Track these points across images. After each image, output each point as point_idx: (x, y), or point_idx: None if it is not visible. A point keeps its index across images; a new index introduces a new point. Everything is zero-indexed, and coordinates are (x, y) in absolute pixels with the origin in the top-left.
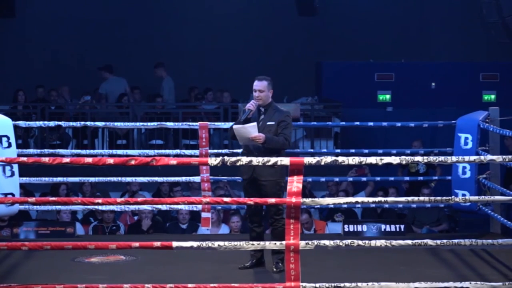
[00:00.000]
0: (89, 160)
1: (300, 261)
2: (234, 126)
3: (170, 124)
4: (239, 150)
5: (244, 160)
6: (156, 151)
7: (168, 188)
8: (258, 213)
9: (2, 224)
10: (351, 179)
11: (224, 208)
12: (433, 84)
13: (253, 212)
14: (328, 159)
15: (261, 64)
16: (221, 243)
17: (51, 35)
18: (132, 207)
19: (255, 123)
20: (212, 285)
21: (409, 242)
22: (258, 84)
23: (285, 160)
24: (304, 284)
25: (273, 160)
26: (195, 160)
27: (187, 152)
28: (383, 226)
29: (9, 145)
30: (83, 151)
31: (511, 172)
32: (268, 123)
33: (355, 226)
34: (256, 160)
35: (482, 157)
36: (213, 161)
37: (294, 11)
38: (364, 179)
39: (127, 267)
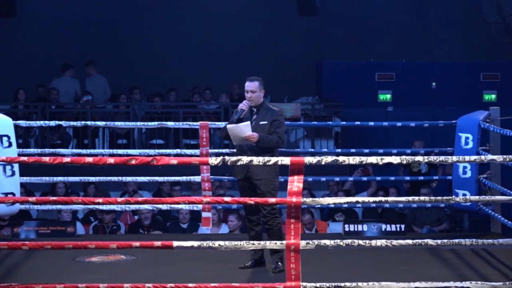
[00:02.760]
0: (90, 159)
1: (300, 260)
2: (228, 126)
3: (170, 124)
4: None
5: (245, 160)
6: (157, 150)
7: (169, 187)
8: (256, 212)
9: (3, 224)
10: (351, 178)
11: (224, 207)
12: (434, 83)
13: (251, 211)
14: (329, 158)
15: (262, 64)
16: (222, 242)
17: (52, 34)
18: (133, 207)
19: (248, 122)
20: (212, 284)
21: (410, 242)
22: (249, 85)
23: (285, 160)
24: (304, 283)
25: (273, 159)
26: (196, 159)
27: (188, 151)
28: (383, 226)
29: (10, 145)
30: (84, 151)
31: None
32: (261, 122)
33: (356, 225)
34: (257, 160)
35: (482, 157)
36: (214, 160)
37: (295, 10)
38: (365, 179)
39: (127, 266)
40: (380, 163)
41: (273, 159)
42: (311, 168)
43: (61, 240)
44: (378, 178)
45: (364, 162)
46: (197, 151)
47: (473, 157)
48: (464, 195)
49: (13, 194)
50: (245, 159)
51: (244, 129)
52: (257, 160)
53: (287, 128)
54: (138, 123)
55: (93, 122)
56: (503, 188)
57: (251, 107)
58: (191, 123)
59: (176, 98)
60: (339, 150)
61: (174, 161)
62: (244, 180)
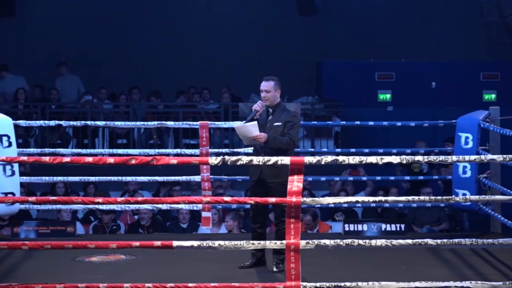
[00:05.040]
0: (90, 159)
1: (300, 260)
2: (235, 125)
3: (170, 124)
4: (240, 150)
5: (245, 159)
6: (157, 150)
7: (169, 187)
8: (261, 214)
9: (3, 224)
10: (351, 178)
11: (224, 207)
12: (434, 83)
13: (257, 213)
14: (329, 158)
15: (262, 64)
16: (222, 242)
17: (51, 34)
18: (133, 207)
19: (255, 122)
20: (212, 284)
21: (410, 241)
22: (264, 85)
23: (285, 160)
24: (304, 283)
25: (273, 159)
26: (196, 159)
27: (188, 151)
28: (383, 226)
29: (10, 145)
30: (84, 151)
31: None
32: (275, 124)
33: (356, 225)
34: (257, 160)
35: (482, 157)
36: (214, 160)
37: (295, 10)
38: (364, 178)
39: (127, 266)
40: (380, 163)
41: (273, 159)
42: (311, 168)
43: (61, 240)
44: (378, 178)
45: (364, 162)
46: (197, 151)
47: (473, 157)
48: (464, 194)
49: (13, 194)
50: (244, 159)
51: (251, 129)
52: (257, 159)
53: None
54: (138, 122)
55: (93, 122)
56: (503, 187)
57: (267, 107)
58: (191, 122)
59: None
60: (339, 150)
61: (174, 160)
62: (257, 181)
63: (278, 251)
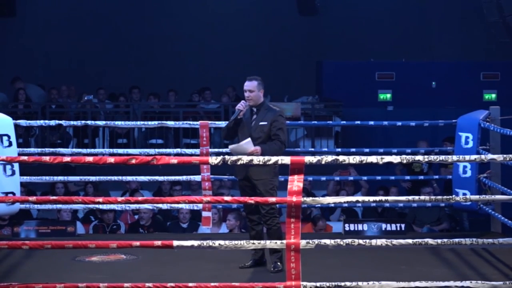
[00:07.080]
0: (90, 159)
1: (300, 260)
2: (230, 147)
3: (170, 123)
4: None
5: (245, 159)
6: (157, 150)
7: (169, 187)
8: (256, 211)
9: (3, 223)
10: (351, 178)
11: (225, 207)
12: (434, 83)
13: (251, 211)
14: (329, 158)
15: (262, 63)
16: (222, 242)
17: (52, 34)
18: (133, 206)
19: (249, 139)
20: (212, 284)
21: (410, 241)
22: (248, 84)
23: (285, 159)
24: (304, 283)
25: (273, 159)
26: (196, 159)
27: (188, 151)
28: (383, 225)
29: (10, 144)
30: (84, 150)
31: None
32: (261, 123)
33: (356, 225)
34: (257, 160)
35: (482, 156)
36: (214, 160)
37: (295, 10)
38: (365, 178)
39: (127, 266)
40: (380, 163)
41: (273, 159)
42: (311, 167)
43: (61, 239)
44: (378, 178)
45: (364, 162)
46: (197, 151)
47: (473, 157)
48: (464, 194)
49: (13, 193)
50: (245, 159)
51: (247, 147)
52: (257, 159)
53: (287, 128)
54: (138, 122)
55: (93, 122)
56: (503, 187)
57: (251, 107)
58: (191, 122)
59: (176, 98)
60: (339, 150)
61: (174, 160)
62: (244, 180)
63: (275, 250)
